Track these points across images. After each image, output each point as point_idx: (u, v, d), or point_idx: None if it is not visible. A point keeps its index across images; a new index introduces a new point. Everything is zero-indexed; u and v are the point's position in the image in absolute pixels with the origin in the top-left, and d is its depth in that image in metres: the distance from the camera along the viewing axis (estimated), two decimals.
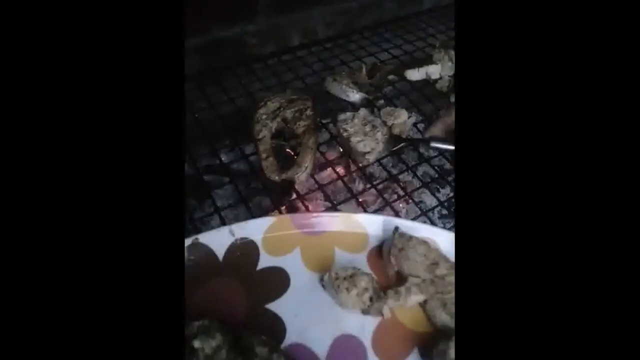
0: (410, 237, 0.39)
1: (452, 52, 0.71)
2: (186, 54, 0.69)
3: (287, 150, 0.57)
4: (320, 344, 0.34)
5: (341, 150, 0.59)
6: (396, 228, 0.39)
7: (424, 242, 0.39)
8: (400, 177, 0.58)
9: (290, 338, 0.35)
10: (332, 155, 0.59)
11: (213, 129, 0.62)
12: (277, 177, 0.51)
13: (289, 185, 0.51)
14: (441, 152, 0.58)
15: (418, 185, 0.56)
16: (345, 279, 0.36)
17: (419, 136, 0.62)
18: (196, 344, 0.31)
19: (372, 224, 0.42)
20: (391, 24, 0.90)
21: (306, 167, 0.52)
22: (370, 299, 0.36)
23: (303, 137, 0.55)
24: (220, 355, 0.31)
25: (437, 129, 0.60)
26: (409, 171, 0.58)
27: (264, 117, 0.56)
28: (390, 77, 0.74)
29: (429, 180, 0.59)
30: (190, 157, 0.56)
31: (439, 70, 0.71)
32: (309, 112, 0.58)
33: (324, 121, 0.62)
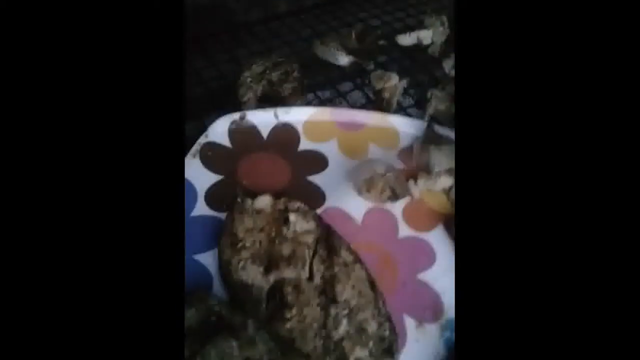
0: (441, 135, 0.42)
1: (444, 17, 0.70)
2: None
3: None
4: (356, 211, 0.38)
5: None
6: (429, 123, 0.43)
7: (452, 141, 0.42)
8: None
9: (329, 204, 0.38)
10: None
11: (197, 97, 0.59)
12: None
13: None
14: None
15: None
16: (364, 181, 0.39)
17: (410, 102, 0.60)
18: None
19: (404, 124, 0.45)
20: None
21: None
22: (393, 194, 0.38)
23: (289, 100, 0.53)
24: None
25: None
26: None
27: (249, 80, 0.54)
28: (381, 42, 0.72)
29: None
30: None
31: (430, 35, 0.70)
32: (295, 74, 0.56)
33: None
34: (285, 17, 0.79)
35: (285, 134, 0.43)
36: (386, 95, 0.57)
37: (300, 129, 0.44)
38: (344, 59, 0.65)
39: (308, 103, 0.56)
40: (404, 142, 0.45)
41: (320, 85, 0.61)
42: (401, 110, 0.55)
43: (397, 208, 0.39)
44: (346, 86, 0.63)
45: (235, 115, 0.42)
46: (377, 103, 0.54)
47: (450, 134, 0.44)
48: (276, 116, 0.43)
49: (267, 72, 0.56)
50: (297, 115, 0.44)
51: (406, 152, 0.44)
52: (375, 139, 0.45)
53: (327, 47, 0.66)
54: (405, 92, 0.60)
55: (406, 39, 0.71)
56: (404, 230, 0.37)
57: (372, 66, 0.66)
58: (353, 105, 0.57)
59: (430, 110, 0.54)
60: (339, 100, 0.59)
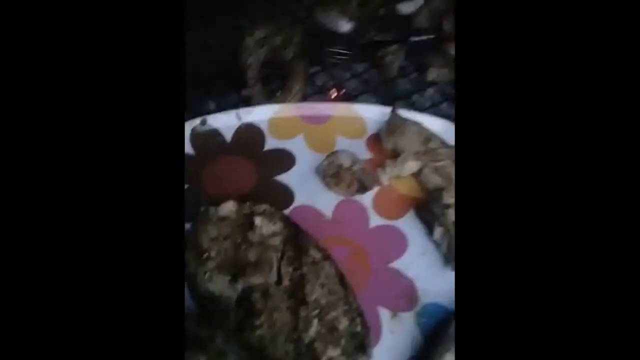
0: (405, 119, 0.42)
1: None
2: None
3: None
4: (326, 206, 0.38)
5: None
6: (393, 108, 0.42)
7: (417, 123, 0.42)
8: None
9: (298, 202, 0.38)
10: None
11: (202, 68, 0.59)
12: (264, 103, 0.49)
13: None
14: None
15: None
16: (331, 176, 0.38)
17: (411, 69, 0.60)
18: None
19: (370, 112, 0.45)
20: None
21: (296, 93, 0.50)
22: (361, 186, 0.38)
23: (292, 63, 0.54)
24: None
25: None
26: None
27: (252, 44, 0.55)
28: (381, 10, 0.76)
29: None
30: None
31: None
32: (297, 37, 0.56)
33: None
34: None
35: (250, 135, 0.43)
36: (387, 60, 0.57)
37: (264, 127, 0.43)
38: (345, 25, 0.65)
39: (311, 74, 0.57)
40: (370, 130, 0.44)
41: (323, 53, 0.59)
42: (403, 76, 0.56)
43: (367, 198, 0.39)
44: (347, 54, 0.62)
45: (196, 121, 0.41)
46: (379, 69, 0.55)
47: (415, 117, 0.43)
48: (239, 117, 0.43)
49: (270, 37, 0.55)
50: (261, 115, 0.44)
51: (374, 140, 0.44)
52: (342, 130, 0.44)
53: (328, 13, 0.66)
54: (406, 58, 0.59)
55: (408, 7, 0.71)
56: (375, 220, 0.37)
57: (373, 33, 0.67)
58: (355, 73, 0.58)
59: (430, 75, 0.55)
60: (340, 69, 0.59)
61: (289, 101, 0.49)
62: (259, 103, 0.49)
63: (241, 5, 0.73)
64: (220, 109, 0.52)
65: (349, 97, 0.56)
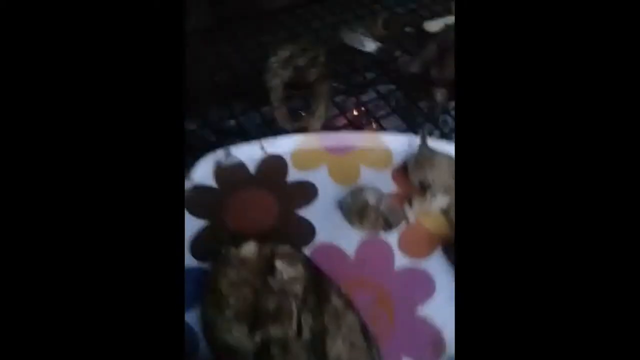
0: (435, 150, 0.40)
1: None
2: (197, 6, 0.68)
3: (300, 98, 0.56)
4: (349, 245, 0.37)
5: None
6: (422, 140, 0.40)
7: (447, 155, 0.40)
8: None
9: (320, 239, 0.37)
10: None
11: (225, 85, 0.61)
12: (289, 126, 0.49)
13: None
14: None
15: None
16: (356, 213, 0.37)
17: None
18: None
19: (396, 142, 0.43)
20: None
21: (320, 116, 0.49)
22: (386, 223, 0.37)
23: (316, 85, 0.52)
24: None
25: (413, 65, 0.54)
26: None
27: (275, 65, 0.54)
28: (408, 29, 0.72)
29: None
30: (202, 116, 0.55)
31: None
32: (321, 58, 0.55)
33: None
34: (310, 5, 0.79)
35: (273, 166, 0.42)
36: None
37: (288, 159, 0.42)
38: (371, 45, 0.64)
39: (334, 90, 0.57)
40: (397, 161, 0.43)
41: (347, 73, 0.61)
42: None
43: (392, 236, 0.37)
44: (373, 74, 0.63)
45: (220, 154, 0.41)
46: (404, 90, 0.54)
47: (445, 148, 0.42)
48: (263, 148, 0.42)
49: (294, 57, 0.55)
50: (285, 146, 0.43)
51: (400, 172, 0.42)
52: (367, 161, 0.43)
53: (354, 33, 0.66)
54: None
55: (433, 25, 0.70)
56: (401, 260, 0.36)
57: (398, 52, 0.66)
58: (379, 93, 0.57)
59: None
60: (364, 89, 0.59)
61: (313, 124, 0.49)
62: (282, 125, 0.48)
63: (265, 23, 0.74)
64: (241, 128, 0.53)
65: (372, 117, 0.55)
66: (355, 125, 0.54)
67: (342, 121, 0.57)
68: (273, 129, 0.50)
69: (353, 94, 0.59)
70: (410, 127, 0.53)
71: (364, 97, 0.58)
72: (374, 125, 0.55)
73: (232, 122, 0.55)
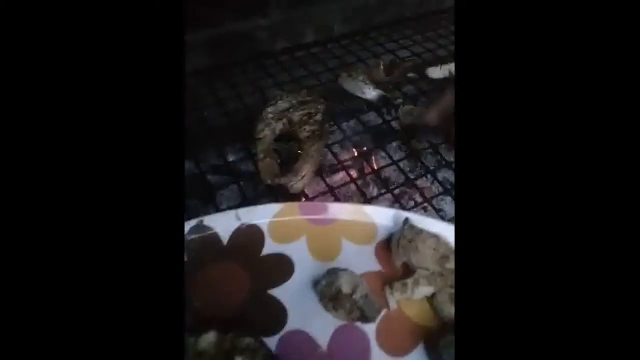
0: (421, 230, 0.37)
1: None
2: (195, 49, 0.69)
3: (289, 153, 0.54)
4: (322, 333, 0.33)
5: (355, 151, 0.57)
6: (406, 219, 0.38)
7: (435, 236, 0.37)
8: (419, 182, 0.52)
9: (291, 325, 0.34)
10: (345, 156, 0.56)
11: (221, 128, 0.60)
12: (270, 181, 0.47)
13: (285, 192, 0.47)
14: (432, 145, 0.55)
15: (438, 192, 0.52)
16: (330, 299, 0.34)
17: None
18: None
19: (381, 216, 0.40)
20: (412, 22, 0.86)
21: (303, 176, 0.47)
22: (362, 315, 0.33)
23: (306, 143, 0.51)
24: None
25: (431, 116, 0.50)
26: (429, 176, 0.53)
27: (270, 116, 0.53)
28: (410, 75, 0.70)
29: (450, 186, 0.53)
30: (196, 157, 0.54)
31: None
32: (318, 116, 0.54)
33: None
34: (312, 48, 0.79)
35: (249, 237, 0.39)
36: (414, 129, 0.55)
37: (266, 229, 0.40)
38: (371, 93, 0.63)
39: (330, 134, 0.57)
40: (381, 236, 0.40)
41: (344, 116, 0.60)
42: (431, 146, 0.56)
43: (370, 325, 0.34)
44: (371, 117, 0.62)
45: (192, 223, 0.38)
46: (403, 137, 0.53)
47: (433, 226, 0.39)
48: (238, 218, 0.40)
49: (291, 110, 0.54)
50: (263, 215, 0.40)
51: (384, 248, 0.39)
52: (349, 234, 0.40)
53: (354, 80, 0.64)
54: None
55: (437, 72, 0.68)
56: (377, 356, 0.32)
57: (400, 100, 0.64)
58: (376, 137, 0.57)
59: None
60: (361, 134, 0.59)
61: (295, 186, 0.47)
62: (263, 178, 0.48)
63: (266, 66, 0.73)
64: (223, 161, 0.53)
65: (368, 155, 0.55)
66: (354, 179, 0.52)
67: (341, 175, 0.55)
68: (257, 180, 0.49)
69: (351, 141, 0.58)
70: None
71: (362, 144, 0.58)
72: (377, 181, 0.54)
73: (224, 167, 0.54)
